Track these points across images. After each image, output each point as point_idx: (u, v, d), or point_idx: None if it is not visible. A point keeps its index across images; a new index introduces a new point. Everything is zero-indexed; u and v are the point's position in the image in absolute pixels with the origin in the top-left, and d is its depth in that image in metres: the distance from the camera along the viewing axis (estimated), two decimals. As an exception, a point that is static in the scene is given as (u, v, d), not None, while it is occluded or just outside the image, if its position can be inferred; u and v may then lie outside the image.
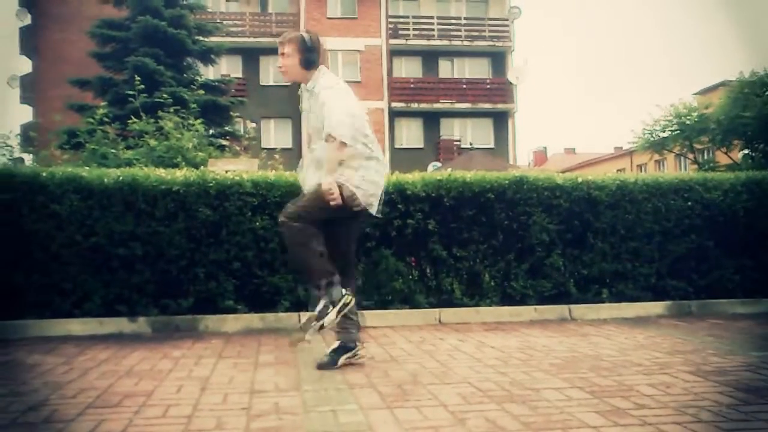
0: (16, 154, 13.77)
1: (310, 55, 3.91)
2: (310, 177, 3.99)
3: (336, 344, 3.93)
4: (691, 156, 26.62)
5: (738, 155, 24.23)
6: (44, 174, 5.59)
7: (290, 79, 4.03)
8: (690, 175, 6.96)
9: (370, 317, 5.73)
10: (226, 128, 19.01)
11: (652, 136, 26.15)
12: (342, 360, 3.86)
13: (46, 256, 5.45)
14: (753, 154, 22.96)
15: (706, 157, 27.63)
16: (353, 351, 3.92)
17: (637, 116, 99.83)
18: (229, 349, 4.54)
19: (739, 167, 20.11)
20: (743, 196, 6.67)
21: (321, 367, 3.82)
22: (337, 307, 3.75)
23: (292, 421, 2.72)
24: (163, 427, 2.66)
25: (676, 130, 25.16)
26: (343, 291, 3.80)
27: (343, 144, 3.75)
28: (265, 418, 2.77)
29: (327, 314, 3.73)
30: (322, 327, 3.76)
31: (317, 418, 2.77)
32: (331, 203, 3.73)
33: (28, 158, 14.93)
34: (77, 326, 5.32)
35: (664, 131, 25.78)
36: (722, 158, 25.34)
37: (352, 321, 3.91)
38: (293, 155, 27.99)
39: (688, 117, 24.85)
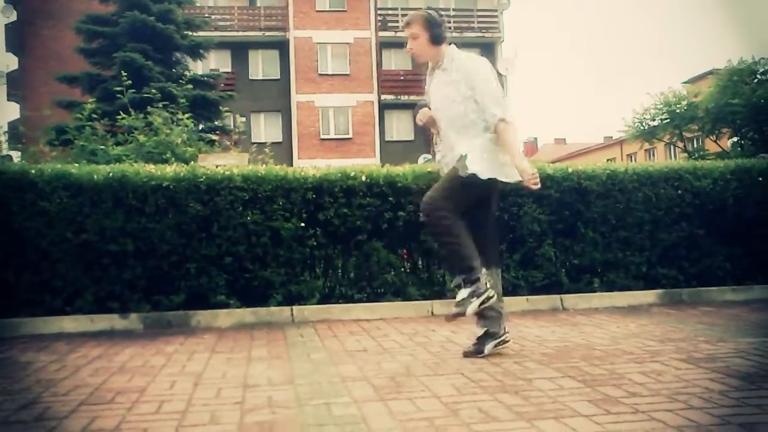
0: (4, 152, 13.69)
1: (438, 31, 3.88)
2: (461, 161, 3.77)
3: (481, 332, 3.91)
4: (680, 144, 26.74)
5: (727, 143, 24.35)
6: (33, 171, 5.56)
7: (421, 60, 3.98)
8: (680, 163, 6.98)
9: (363, 310, 5.74)
10: (216, 123, 18.95)
11: (642, 125, 26.25)
12: (489, 348, 3.85)
13: (36, 254, 5.42)
14: (742, 141, 23.09)
15: (695, 145, 27.76)
16: (500, 338, 3.89)
17: (627, 105, 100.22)
18: (221, 344, 4.53)
19: (728, 155, 20.23)
20: (733, 184, 6.70)
21: (467, 355, 3.85)
22: (479, 300, 3.69)
23: (285, 415, 2.72)
24: (157, 422, 2.66)
25: (666, 118, 25.27)
26: (487, 284, 3.73)
27: (514, 125, 3.74)
28: (258, 412, 2.77)
29: (469, 304, 3.69)
30: (462, 315, 3.73)
31: (311, 411, 2.77)
32: (533, 186, 3.65)
33: (16, 155, 14.84)
34: (69, 324, 5.30)
35: (654, 120, 25.90)
36: (712, 146, 25.46)
37: (495, 310, 3.86)
38: (283, 149, 27.99)
39: (678, 105, 24.95)
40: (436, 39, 3.89)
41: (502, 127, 3.72)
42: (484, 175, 3.72)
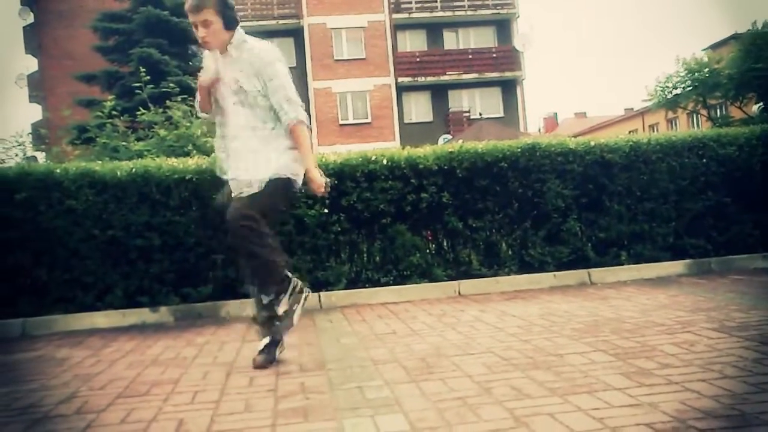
0: (29, 153, 13.85)
1: (232, 13, 3.44)
2: (249, 168, 3.48)
3: (266, 340, 3.51)
4: (704, 112, 26.32)
5: (753, 109, 23.89)
6: (58, 170, 5.62)
7: (215, 48, 3.48)
8: (703, 131, 6.89)
9: (390, 293, 5.75)
10: (234, 114, 19.00)
11: (665, 93, 25.85)
12: (277, 354, 3.53)
13: (65, 252, 5.50)
14: (768, 106, 22.61)
15: (720, 113, 27.30)
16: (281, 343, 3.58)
17: (648, 74, 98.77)
18: (251, 333, 4.56)
19: (753, 121, 19.85)
20: (759, 150, 6.60)
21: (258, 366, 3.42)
22: (297, 309, 3.53)
23: (319, 400, 2.74)
24: (193, 412, 2.69)
25: (690, 86, 24.85)
26: (306, 289, 3.61)
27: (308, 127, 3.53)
28: (292, 399, 2.79)
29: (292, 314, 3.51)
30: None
31: (344, 395, 2.78)
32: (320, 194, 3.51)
33: (40, 156, 15.01)
34: (101, 319, 5.38)
35: (677, 88, 25.49)
36: (737, 113, 25.02)
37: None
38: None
39: (700, 73, 24.52)
40: (231, 23, 3.45)
41: (298, 129, 3.58)
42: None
